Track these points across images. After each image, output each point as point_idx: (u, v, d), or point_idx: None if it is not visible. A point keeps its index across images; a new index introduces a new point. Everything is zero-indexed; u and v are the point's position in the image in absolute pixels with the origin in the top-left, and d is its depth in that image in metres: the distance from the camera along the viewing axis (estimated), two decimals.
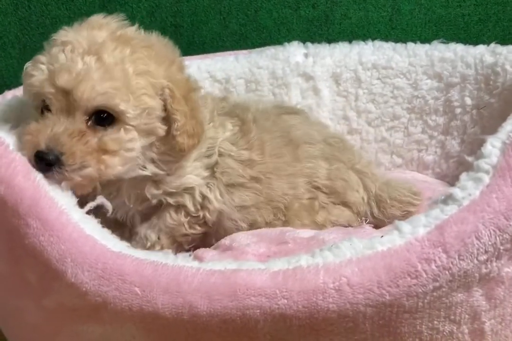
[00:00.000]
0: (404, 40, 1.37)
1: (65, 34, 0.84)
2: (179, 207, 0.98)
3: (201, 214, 0.98)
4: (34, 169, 0.79)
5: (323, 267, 0.72)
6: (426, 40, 1.39)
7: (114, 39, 0.83)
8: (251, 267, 0.74)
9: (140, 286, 0.72)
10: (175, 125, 0.86)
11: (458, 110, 1.26)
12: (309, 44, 1.31)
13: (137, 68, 0.83)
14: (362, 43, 1.32)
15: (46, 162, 0.79)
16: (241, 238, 0.97)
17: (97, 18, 0.87)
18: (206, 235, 1.03)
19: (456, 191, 0.77)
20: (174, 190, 0.95)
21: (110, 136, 0.82)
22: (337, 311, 0.71)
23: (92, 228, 0.78)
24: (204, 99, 1.00)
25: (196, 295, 0.71)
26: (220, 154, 0.98)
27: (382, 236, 0.76)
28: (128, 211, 0.97)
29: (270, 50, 1.30)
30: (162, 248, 0.99)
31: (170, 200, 0.96)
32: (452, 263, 0.70)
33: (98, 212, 0.84)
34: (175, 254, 1.02)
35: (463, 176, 0.81)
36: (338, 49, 1.31)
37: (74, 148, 0.79)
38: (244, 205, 1.00)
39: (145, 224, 0.98)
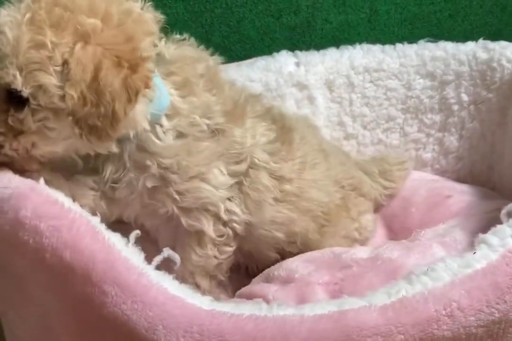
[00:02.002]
0: (382, 40, 1.38)
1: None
2: (200, 235, 0.88)
3: (227, 230, 0.90)
4: (99, 227, 0.70)
5: (430, 294, 0.70)
6: (402, 38, 1.40)
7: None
8: (354, 305, 0.70)
9: None
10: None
11: (455, 107, 1.27)
12: (298, 52, 1.27)
13: (32, 39, 0.72)
14: (350, 47, 1.30)
15: None
16: (298, 267, 0.92)
17: None
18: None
19: None
20: (187, 205, 0.84)
21: (17, 116, 0.75)
22: (452, 337, 0.69)
23: (173, 286, 0.69)
24: (217, 87, 0.87)
25: None
26: (253, 165, 0.90)
27: (474, 253, 0.75)
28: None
29: (261, 62, 1.24)
30: (206, 293, 0.91)
31: (184, 221, 0.85)
32: None
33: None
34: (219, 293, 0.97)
35: None
36: (328, 55, 1.28)
37: None
38: (276, 221, 0.95)
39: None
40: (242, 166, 0.88)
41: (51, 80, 0.72)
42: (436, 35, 1.40)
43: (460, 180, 1.30)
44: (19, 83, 0.72)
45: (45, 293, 0.73)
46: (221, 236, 0.89)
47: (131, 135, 0.79)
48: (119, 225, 0.87)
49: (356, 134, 1.34)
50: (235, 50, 1.28)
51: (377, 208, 1.23)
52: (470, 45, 1.25)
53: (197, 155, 0.83)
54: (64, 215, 0.69)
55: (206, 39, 1.23)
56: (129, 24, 0.75)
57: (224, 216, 0.87)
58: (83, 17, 0.73)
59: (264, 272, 1.00)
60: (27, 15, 0.72)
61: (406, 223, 1.16)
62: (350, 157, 1.25)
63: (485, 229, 1.00)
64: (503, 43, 1.20)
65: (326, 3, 1.31)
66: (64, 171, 0.86)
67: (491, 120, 1.24)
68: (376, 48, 1.30)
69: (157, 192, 0.84)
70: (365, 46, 1.30)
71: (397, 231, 1.17)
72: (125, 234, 0.75)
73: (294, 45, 1.32)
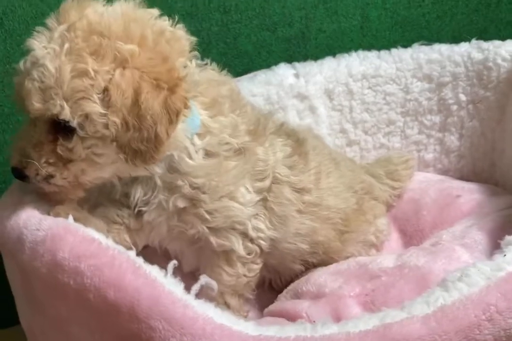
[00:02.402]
0: (375, 45, 1.40)
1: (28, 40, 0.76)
2: (228, 255, 0.89)
3: (255, 247, 0.90)
4: (139, 261, 0.70)
5: (468, 300, 0.71)
6: (394, 42, 1.43)
7: (67, 38, 0.73)
8: (395, 317, 0.71)
9: None
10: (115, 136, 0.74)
11: (454, 107, 1.29)
12: (296, 64, 1.28)
13: (74, 68, 0.72)
14: (346, 55, 1.31)
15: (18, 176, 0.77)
16: (326, 281, 0.93)
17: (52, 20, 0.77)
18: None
19: None
20: (217, 224, 0.84)
21: (66, 146, 0.75)
22: None
23: (217, 315, 0.70)
24: (240, 107, 0.89)
25: None
26: (275, 181, 0.91)
27: (505, 255, 0.77)
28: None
29: (261, 76, 1.25)
30: (235, 312, 0.91)
31: (213, 241, 0.86)
32: None
33: None
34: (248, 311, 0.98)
35: None
36: (326, 65, 1.29)
37: (34, 161, 0.75)
38: (300, 233, 0.96)
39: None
40: (266, 183, 0.89)
41: (95, 108, 0.73)
42: (426, 37, 1.43)
43: (463, 178, 1.33)
44: (67, 113, 0.73)
45: (87, 332, 0.72)
46: (250, 253, 0.89)
47: (176, 156, 0.80)
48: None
49: (358, 140, 1.36)
50: (233, 66, 1.28)
51: (388, 210, 1.24)
52: (464, 46, 1.27)
53: (227, 175, 0.84)
54: (103, 253, 0.69)
55: (204, 57, 1.24)
56: (163, 44, 0.76)
57: (252, 233, 0.88)
58: (121, 43, 0.73)
59: (289, 287, 1.00)
60: (66, 45, 0.73)
61: (419, 226, 1.18)
62: (356, 163, 1.27)
63: (502, 227, 1.03)
64: (496, 42, 1.23)
65: (319, 13, 1.32)
66: (86, 204, 0.86)
67: (490, 118, 1.26)
68: (372, 54, 1.32)
69: (186, 213, 0.84)
70: (361, 53, 1.32)
71: (410, 234, 1.19)
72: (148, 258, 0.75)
73: (290, 57, 1.33)
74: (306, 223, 0.96)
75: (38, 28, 0.77)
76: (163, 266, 0.75)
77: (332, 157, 1.08)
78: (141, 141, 0.73)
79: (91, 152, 0.76)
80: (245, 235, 0.88)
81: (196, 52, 0.82)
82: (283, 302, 0.95)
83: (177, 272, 0.75)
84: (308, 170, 0.97)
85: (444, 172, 1.36)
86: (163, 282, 0.68)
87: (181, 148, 0.80)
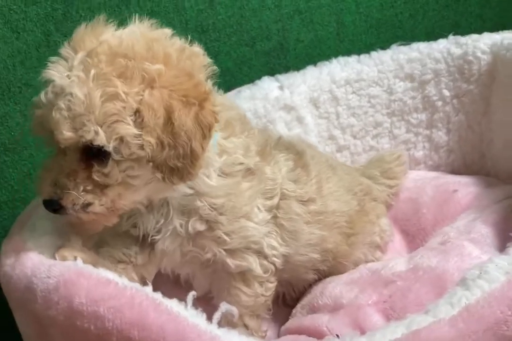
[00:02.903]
0: (352, 50, 1.41)
1: (49, 69, 0.75)
2: (245, 275, 0.89)
3: (270, 265, 0.90)
4: (159, 297, 0.68)
5: (492, 297, 0.71)
6: (371, 45, 1.44)
7: (89, 65, 0.73)
8: (422, 323, 0.70)
9: None
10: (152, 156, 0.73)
11: (439, 103, 1.31)
12: (279, 76, 1.28)
13: (104, 92, 0.72)
14: (327, 63, 1.32)
15: (46, 207, 0.75)
16: (342, 292, 0.92)
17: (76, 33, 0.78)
18: None
19: None
20: (233, 246, 0.84)
21: (102, 171, 0.75)
22: None
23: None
24: (248, 130, 0.90)
25: None
26: (283, 197, 0.92)
27: None
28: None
29: (246, 92, 1.24)
30: (254, 333, 0.91)
31: (230, 262, 0.85)
32: None
33: None
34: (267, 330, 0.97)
35: None
36: (309, 74, 1.29)
37: (71, 191, 0.74)
38: (310, 243, 0.97)
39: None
40: (275, 201, 0.90)
41: (130, 130, 0.72)
42: (401, 37, 1.44)
43: (454, 172, 1.34)
44: (102, 138, 0.72)
45: None
46: (266, 272, 0.89)
47: (212, 172, 0.81)
48: None
49: (348, 145, 1.36)
50: (216, 84, 1.27)
51: (388, 210, 1.24)
52: (442, 43, 1.28)
53: (242, 195, 0.84)
54: (121, 294, 0.67)
55: None
56: (185, 61, 0.76)
57: (267, 252, 0.88)
58: (148, 64, 0.73)
59: (304, 302, 0.99)
60: (92, 71, 0.72)
61: (421, 224, 1.18)
62: (351, 166, 1.27)
63: (505, 218, 1.04)
64: (474, 36, 1.24)
65: (295, 24, 1.33)
66: (89, 243, 0.85)
67: (476, 111, 1.27)
68: (352, 59, 1.32)
69: (201, 237, 0.84)
70: (341, 59, 1.32)
71: (413, 234, 1.19)
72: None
73: (272, 70, 1.34)
74: (315, 232, 0.97)
75: (52, 58, 0.76)
76: (175, 293, 0.75)
77: (329, 163, 1.08)
78: (177, 158, 0.73)
79: (126, 175, 0.75)
80: (260, 254, 0.88)
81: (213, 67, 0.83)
82: (300, 318, 0.94)
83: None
84: (310, 180, 0.98)
85: (435, 168, 1.37)
86: (186, 316, 0.67)
87: (206, 167, 0.80)
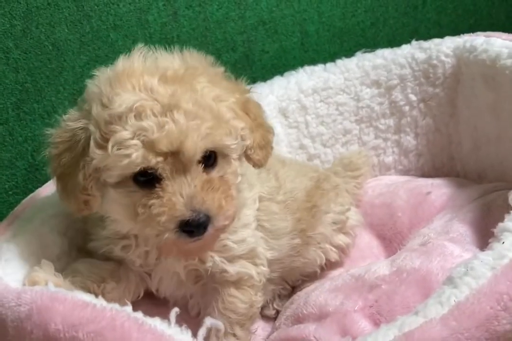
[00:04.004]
0: (316, 60, 1.42)
1: (121, 101, 0.74)
2: (241, 283, 0.88)
3: (263, 271, 0.91)
4: (141, 316, 0.65)
5: (480, 293, 0.70)
6: (334, 54, 1.46)
7: (171, 82, 0.76)
8: (413, 324, 0.69)
9: None
10: (247, 144, 0.82)
11: (406, 108, 1.32)
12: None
13: (211, 97, 0.78)
14: (294, 72, 1.32)
15: (197, 226, 0.73)
16: (327, 300, 0.90)
17: (124, 69, 0.78)
18: None
19: None
20: (233, 253, 0.85)
21: (229, 171, 0.80)
22: None
23: None
24: None
25: None
26: (261, 199, 0.94)
27: (503, 242, 0.77)
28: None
29: None
30: None
31: (232, 270, 0.85)
32: None
33: None
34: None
35: None
36: (276, 84, 1.29)
37: (213, 200, 0.75)
38: (287, 231, 0.98)
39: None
40: (257, 205, 0.92)
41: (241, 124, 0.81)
42: (363, 45, 1.46)
43: (424, 175, 1.35)
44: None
45: None
46: (260, 280, 0.90)
47: None
48: None
49: (318, 153, 1.36)
50: None
51: (358, 204, 1.26)
52: (406, 48, 1.30)
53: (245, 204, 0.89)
54: (100, 316, 0.64)
55: None
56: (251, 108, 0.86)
57: (258, 260, 0.90)
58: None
59: (287, 313, 0.98)
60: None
61: (397, 228, 1.18)
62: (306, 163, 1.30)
63: (482, 217, 1.05)
64: (436, 40, 1.27)
65: (260, 35, 1.33)
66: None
67: (443, 114, 1.29)
68: (319, 68, 1.33)
69: None
70: (308, 68, 1.33)
71: (390, 238, 1.18)
72: None
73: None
74: (287, 218, 0.98)
75: None
76: (156, 312, 0.72)
77: (277, 159, 1.09)
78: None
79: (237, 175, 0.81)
80: (253, 261, 0.89)
81: None
82: (285, 329, 0.91)
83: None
84: (269, 175, 1.00)
85: (406, 172, 1.38)
86: (171, 334, 0.64)
87: None
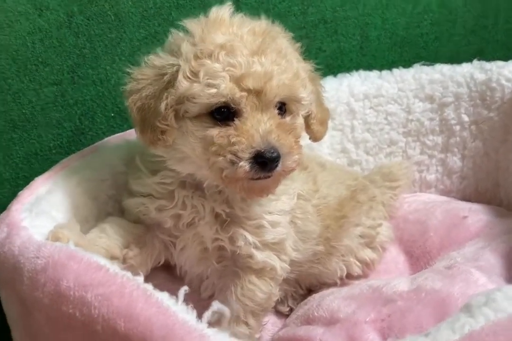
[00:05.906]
0: (373, 65, 1.40)
1: (213, 39, 0.79)
2: (264, 273, 0.88)
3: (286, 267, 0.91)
4: (151, 288, 0.65)
5: (496, 327, 0.67)
6: (393, 62, 1.43)
7: (258, 34, 0.82)
8: None
9: None
10: (312, 110, 0.87)
11: (456, 128, 1.28)
12: None
13: (292, 56, 0.84)
14: (347, 75, 1.30)
15: (268, 160, 0.76)
16: (340, 306, 0.89)
17: (217, 17, 0.82)
18: None
19: None
20: (265, 239, 0.85)
21: (297, 122, 0.84)
22: None
23: None
24: None
25: None
26: (299, 197, 0.94)
27: None
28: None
29: None
30: (251, 331, 0.88)
31: (259, 256, 0.85)
32: None
33: None
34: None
35: None
36: (328, 84, 1.26)
37: (285, 140, 0.79)
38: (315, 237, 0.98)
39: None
40: (294, 201, 0.92)
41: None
42: (424, 57, 1.42)
43: (465, 198, 1.31)
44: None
45: None
46: (281, 275, 0.89)
47: None
48: None
49: (360, 160, 1.34)
50: None
51: (392, 216, 1.23)
52: (466, 67, 1.26)
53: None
54: (111, 281, 0.64)
55: None
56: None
57: (284, 256, 0.89)
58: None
59: (298, 313, 0.96)
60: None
61: (426, 247, 1.15)
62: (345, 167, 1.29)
63: None
64: (499, 62, 1.22)
65: (319, 33, 1.31)
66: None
67: (494, 138, 1.25)
68: (373, 74, 1.30)
69: (239, 223, 0.85)
70: (362, 73, 1.30)
71: (418, 256, 1.15)
72: None
73: None
74: (318, 224, 0.97)
75: None
76: (166, 287, 0.71)
77: (317, 161, 1.09)
78: None
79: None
80: (281, 254, 0.89)
81: None
82: (293, 328, 0.90)
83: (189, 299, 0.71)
84: (308, 177, 1.00)
85: (446, 192, 1.34)
86: (176, 311, 0.63)
87: None
